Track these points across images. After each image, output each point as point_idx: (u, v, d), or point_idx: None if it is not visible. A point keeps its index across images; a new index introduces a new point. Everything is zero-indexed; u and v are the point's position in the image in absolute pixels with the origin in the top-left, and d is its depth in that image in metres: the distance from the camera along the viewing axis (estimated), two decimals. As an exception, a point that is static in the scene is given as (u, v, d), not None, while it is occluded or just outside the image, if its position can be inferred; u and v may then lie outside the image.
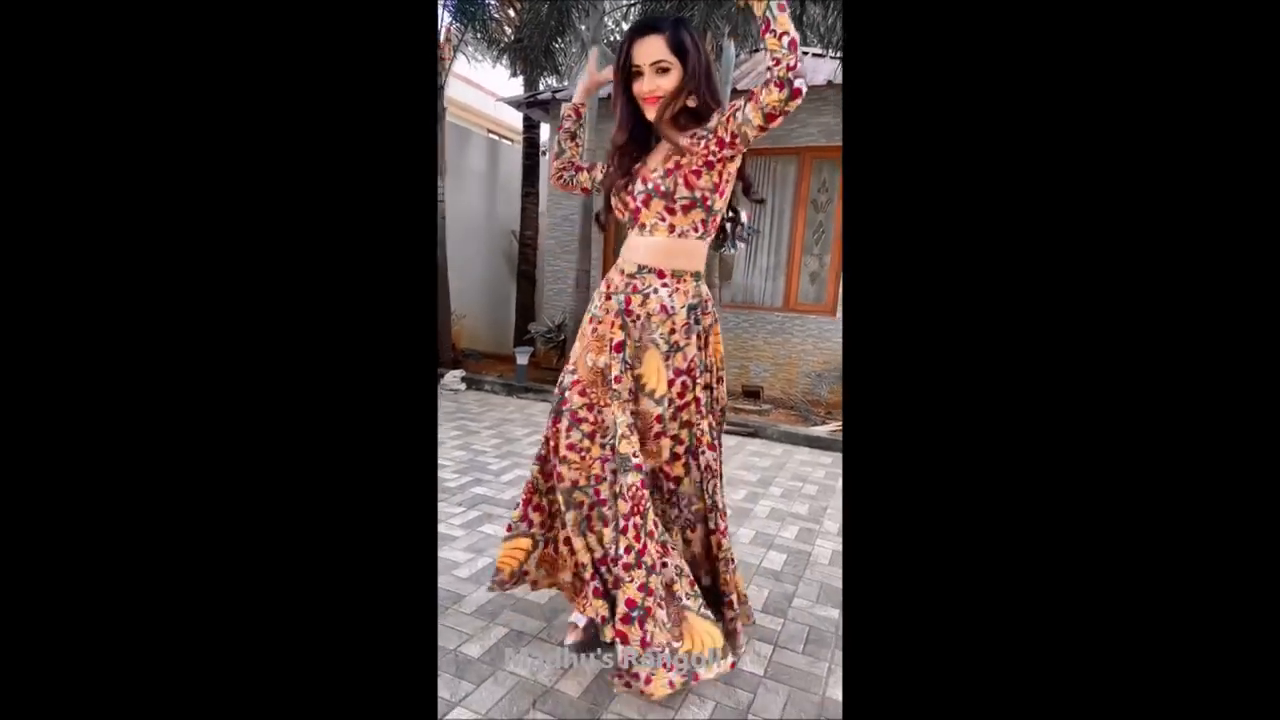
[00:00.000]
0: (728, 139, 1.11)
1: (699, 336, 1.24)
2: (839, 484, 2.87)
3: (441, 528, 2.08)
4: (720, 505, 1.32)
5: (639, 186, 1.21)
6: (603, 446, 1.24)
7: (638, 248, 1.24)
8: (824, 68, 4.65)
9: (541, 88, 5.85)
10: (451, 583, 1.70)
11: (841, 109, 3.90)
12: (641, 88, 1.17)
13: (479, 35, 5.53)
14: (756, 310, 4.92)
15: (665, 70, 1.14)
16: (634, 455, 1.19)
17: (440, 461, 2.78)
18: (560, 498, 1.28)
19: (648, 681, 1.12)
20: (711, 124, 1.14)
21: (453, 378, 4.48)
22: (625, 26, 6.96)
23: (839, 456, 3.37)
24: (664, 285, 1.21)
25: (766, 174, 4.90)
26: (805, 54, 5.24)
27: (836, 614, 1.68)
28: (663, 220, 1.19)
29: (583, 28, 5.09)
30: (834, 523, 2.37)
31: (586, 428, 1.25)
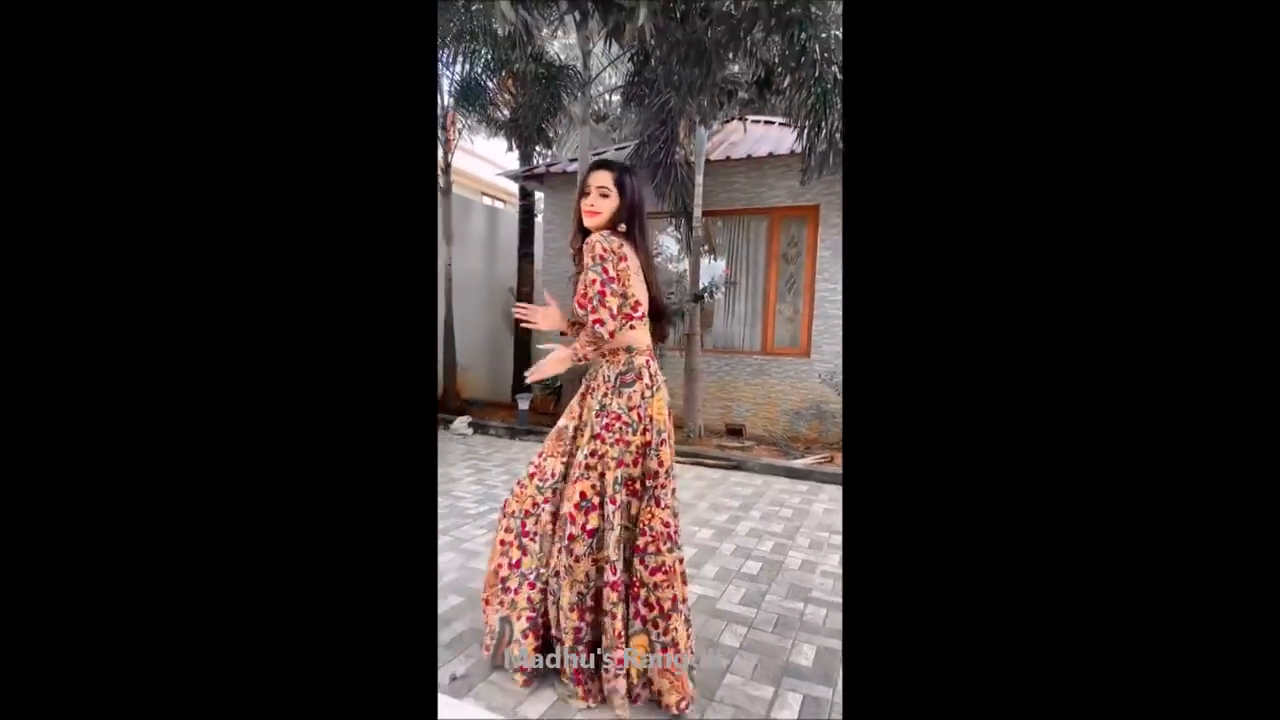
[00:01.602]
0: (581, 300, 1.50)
1: (626, 397, 1.49)
2: (813, 507, 3.21)
3: (469, 545, 2.41)
4: (620, 558, 1.44)
5: (576, 311, 1.54)
6: (538, 489, 1.55)
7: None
8: (788, 138, 5.26)
9: (535, 161, 6.46)
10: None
11: (800, 173, 4.44)
12: (585, 202, 1.55)
13: (479, 118, 6.15)
14: (737, 354, 5.34)
15: (605, 195, 1.53)
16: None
17: (459, 494, 3.11)
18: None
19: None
20: (587, 262, 1.50)
21: (461, 423, 4.82)
22: (613, 103, 7.66)
23: (815, 485, 3.72)
24: (607, 363, 1.54)
25: (741, 232, 5.43)
26: (771, 123, 5.89)
27: (802, 605, 2.01)
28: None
29: (573, 108, 5.70)
30: (805, 539, 2.71)
31: (533, 470, 1.59)
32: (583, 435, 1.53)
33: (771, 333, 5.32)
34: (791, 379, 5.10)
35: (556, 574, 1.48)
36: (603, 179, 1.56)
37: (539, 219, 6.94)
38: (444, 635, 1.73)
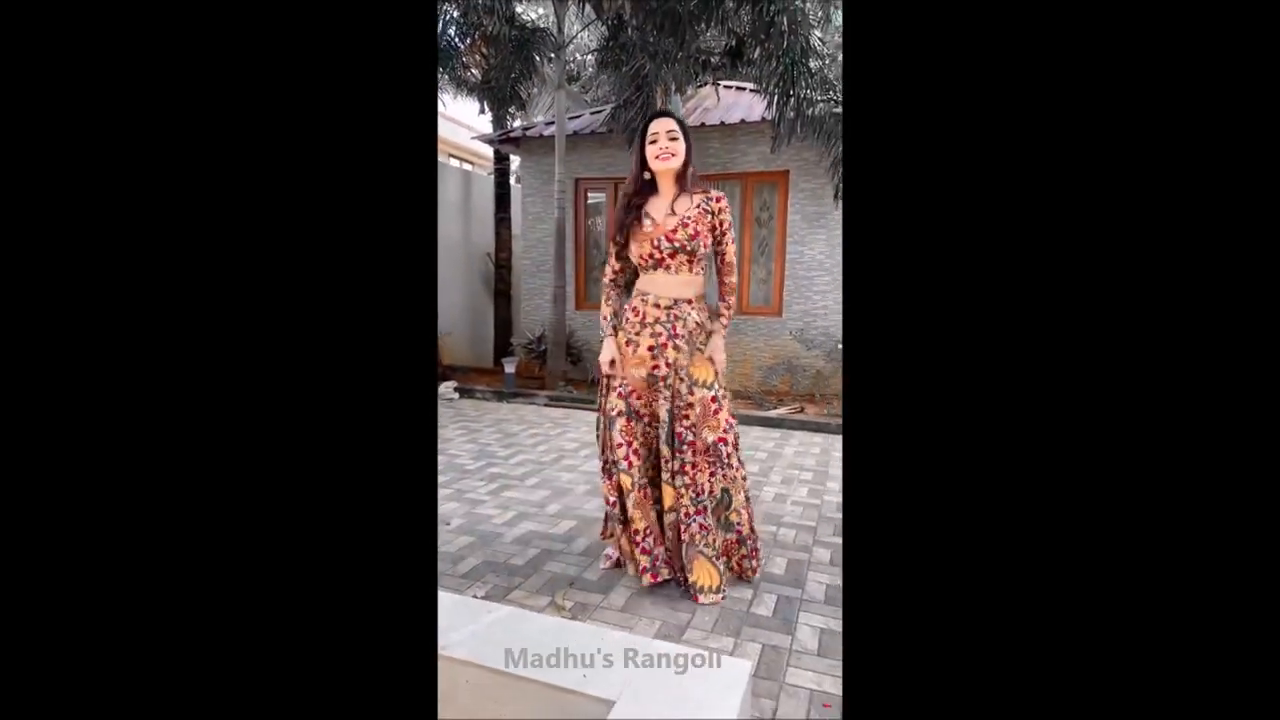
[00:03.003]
0: (717, 237, 1.83)
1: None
2: (784, 450, 3.52)
3: (471, 495, 2.64)
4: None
5: (664, 244, 1.75)
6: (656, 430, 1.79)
7: (670, 284, 1.79)
8: (759, 105, 5.40)
9: (510, 125, 6.45)
10: (493, 526, 2.29)
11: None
12: (657, 147, 1.75)
13: (447, 77, 6.07)
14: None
15: (675, 138, 1.75)
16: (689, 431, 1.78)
17: (454, 453, 3.32)
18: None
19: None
20: (713, 208, 1.80)
21: (446, 388, 4.99)
22: (587, 64, 7.60)
23: (787, 431, 4.03)
24: (694, 309, 1.81)
25: (715, 196, 5.59)
26: (743, 89, 5.99)
27: (775, 528, 2.31)
28: (687, 266, 1.79)
29: (548, 70, 5.69)
30: (778, 476, 3.01)
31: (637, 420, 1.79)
32: (699, 378, 1.77)
33: (747, 293, 5.56)
34: (765, 336, 5.38)
35: (716, 491, 1.79)
36: (670, 124, 1.77)
37: (515, 184, 6.95)
38: (460, 568, 1.97)
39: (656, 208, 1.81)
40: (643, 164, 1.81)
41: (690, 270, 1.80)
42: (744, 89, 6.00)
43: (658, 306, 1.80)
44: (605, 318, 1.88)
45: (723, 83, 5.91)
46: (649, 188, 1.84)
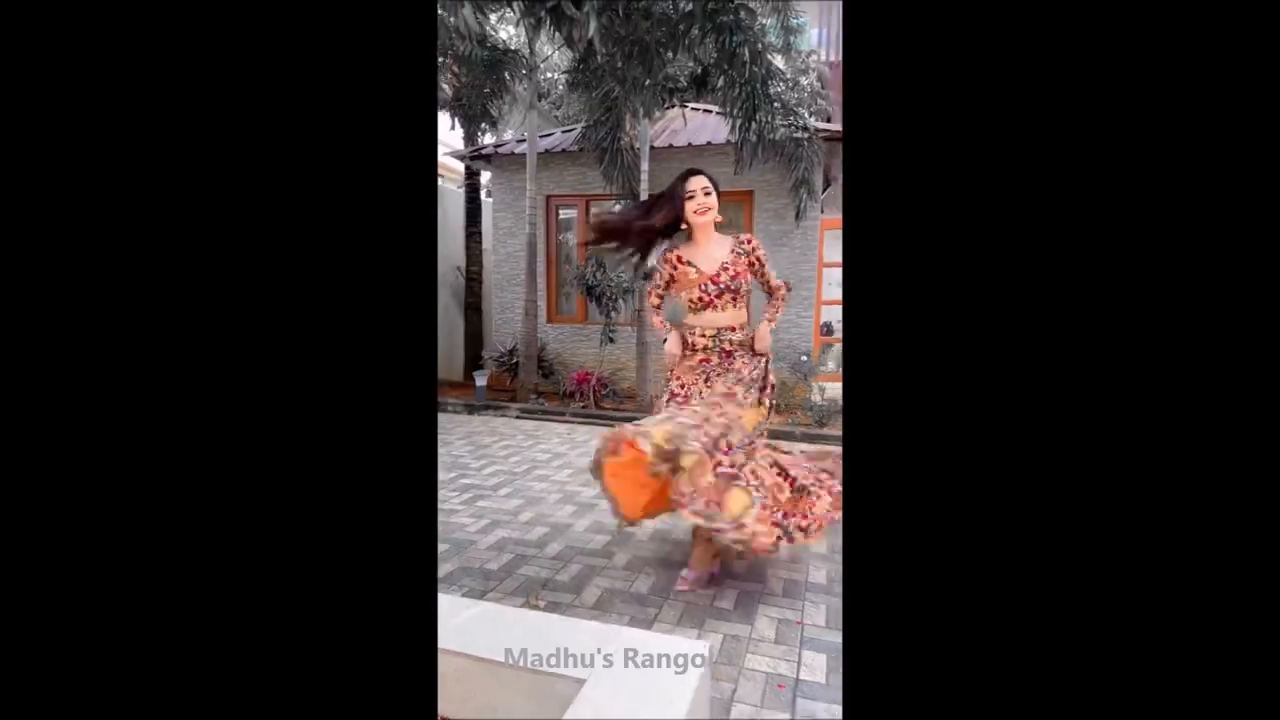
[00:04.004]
0: (758, 271, 2.06)
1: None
2: (749, 460, 3.68)
3: (445, 505, 2.70)
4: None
5: (711, 288, 2.01)
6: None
7: (716, 319, 2.04)
8: (724, 127, 5.62)
9: (481, 141, 6.55)
10: (466, 534, 2.37)
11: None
12: (696, 203, 1.98)
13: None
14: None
15: (709, 193, 1.99)
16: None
17: (428, 464, 3.37)
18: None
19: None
20: (747, 249, 2.04)
21: (418, 402, 5.01)
22: (558, 81, 7.76)
23: (751, 442, 4.20)
24: (736, 334, 2.05)
25: (683, 214, 5.77)
26: (710, 111, 6.22)
27: (738, 533, 2.45)
28: (731, 303, 2.03)
29: (520, 89, 5.81)
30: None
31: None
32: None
33: (712, 308, 5.73)
34: (731, 351, 5.55)
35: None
36: (704, 181, 1.99)
37: (486, 198, 7.02)
38: (439, 572, 2.04)
39: (698, 256, 2.04)
40: (679, 217, 2.03)
41: (734, 305, 2.06)
42: (710, 111, 6.23)
43: (704, 336, 2.08)
44: (662, 323, 2.17)
45: (689, 105, 6.13)
46: (683, 238, 2.09)
